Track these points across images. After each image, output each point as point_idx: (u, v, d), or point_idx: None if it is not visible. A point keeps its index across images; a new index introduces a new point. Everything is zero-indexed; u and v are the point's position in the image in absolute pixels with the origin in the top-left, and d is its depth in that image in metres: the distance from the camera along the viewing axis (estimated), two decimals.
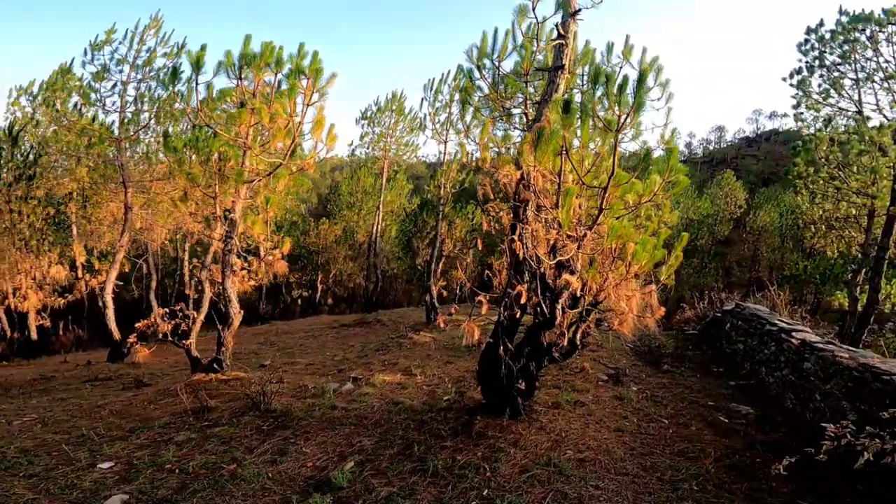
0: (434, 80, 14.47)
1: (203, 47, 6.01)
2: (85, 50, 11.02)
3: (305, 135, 6.33)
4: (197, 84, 6.10)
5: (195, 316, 7.52)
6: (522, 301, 4.28)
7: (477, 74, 7.13)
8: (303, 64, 5.79)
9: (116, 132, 11.90)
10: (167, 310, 7.70)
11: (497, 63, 6.87)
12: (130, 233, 13.96)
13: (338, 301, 28.13)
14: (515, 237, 4.21)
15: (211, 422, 5.11)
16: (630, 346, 9.23)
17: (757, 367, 7.21)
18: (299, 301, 27.10)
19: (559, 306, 4.41)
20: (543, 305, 4.40)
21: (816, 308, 20.17)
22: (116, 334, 13.12)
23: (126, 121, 11.86)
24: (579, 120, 3.77)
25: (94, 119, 12.72)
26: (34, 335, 16.50)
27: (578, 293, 4.24)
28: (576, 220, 4.53)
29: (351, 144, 23.53)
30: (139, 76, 11.23)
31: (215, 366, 7.26)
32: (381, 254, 24.86)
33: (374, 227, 23.64)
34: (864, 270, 11.30)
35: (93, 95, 11.28)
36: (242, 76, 6.11)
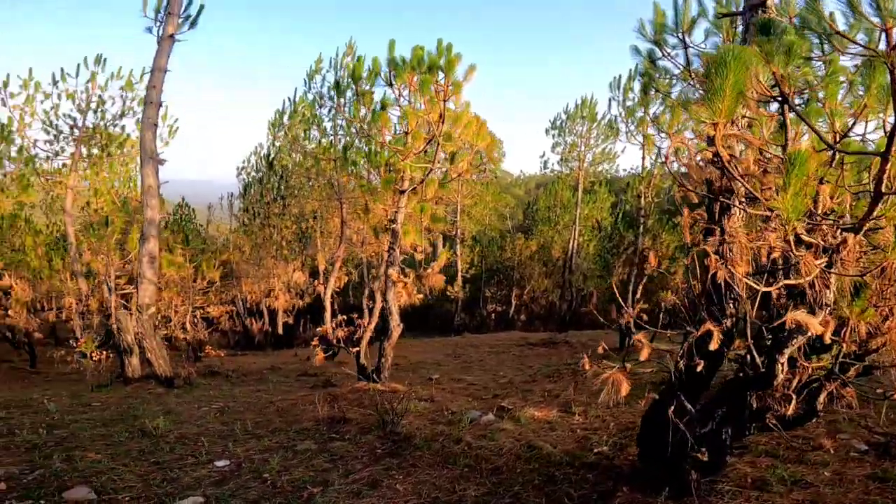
0: (621, 76, 12.67)
1: (359, 59, 6.04)
2: (304, 80, 12.98)
3: (453, 137, 5.79)
4: (356, 95, 6.18)
5: (364, 325, 7.73)
6: (714, 347, 2.72)
7: (658, 53, 5.62)
8: (437, 60, 5.29)
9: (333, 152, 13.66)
10: (343, 318, 8.16)
11: (682, 36, 5.30)
12: (346, 244, 15.95)
13: (531, 318, 27.35)
14: (709, 247, 2.73)
15: (338, 434, 4.89)
16: None
17: None
18: (493, 316, 27.27)
19: (782, 360, 2.72)
20: (754, 354, 2.79)
21: None
22: (331, 336, 15.02)
23: (341, 142, 13.54)
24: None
25: (320, 143, 14.93)
26: (280, 330, 20.27)
27: (828, 339, 2.54)
28: (820, 214, 2.81)
29: (543, 156, 22.76)
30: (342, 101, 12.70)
31: (374, 376, 7.28)
32: (577, 271, 23.17)
33: (571, 243, 22.19)
34: None
35: (315, 122, 13.19)
36: (393, 83, 5.95)
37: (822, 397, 2.93)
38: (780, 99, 2.03)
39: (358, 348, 7.41)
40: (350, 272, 22.72)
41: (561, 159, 20.35)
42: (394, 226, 7.25)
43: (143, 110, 8.76)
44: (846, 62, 2.30)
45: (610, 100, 14.91)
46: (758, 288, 2.25)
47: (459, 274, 24.82)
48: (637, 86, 11.42)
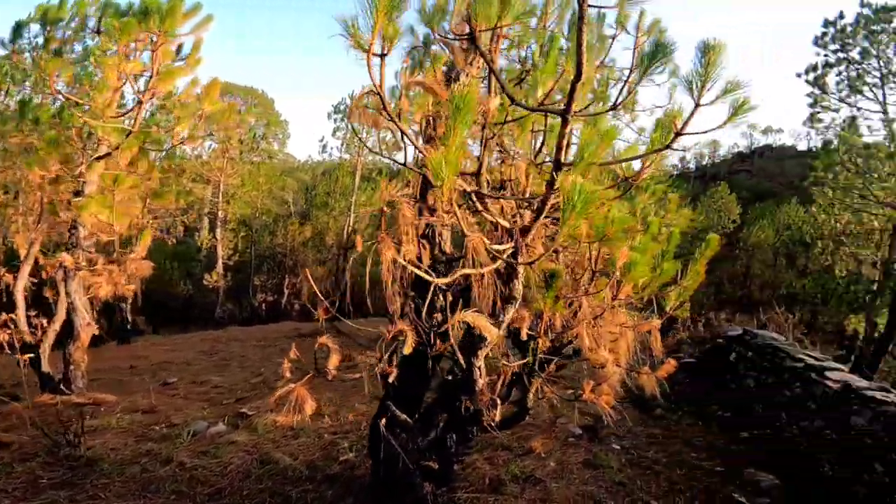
0: None
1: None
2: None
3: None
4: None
5: (45, 324, 5.78)
6: (407, 351, 2.45)
7: None
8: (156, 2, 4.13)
9: None
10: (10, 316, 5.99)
11: None
12: (47, 223, 12.13)
13: (307, 307, 26.26)
14: (409, 227, 2.43)
15: None
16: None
17: (775, 412, 5.57)
18: (264, 306, 25.17)
19: (478, 363, 2.60)
20: (458, 357, 2.64)
21: (812, 328, 18.79)
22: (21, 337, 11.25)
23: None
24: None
25: None
26: None
27: (524, 334, 2.52)
28: (519, 196, 2.80)
29: (322, 140, 21.90)
30: None
31: (62, 387, 5.52)
32: (352, 258, 23.08)
33: (346, 230, 21.89)
34: (887, 293, 9.81)
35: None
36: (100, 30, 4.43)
37: (531, 394, 2.97)
38: (468, 36, 1.81)
39: (32, 354, 5.53)
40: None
41: (342, 145, 19.80)
42: (77, 199, 5.57)
43: None
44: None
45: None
46: (431, 280, 2.02)
47: (220, 260, 22.00)
48: None
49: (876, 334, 10.02)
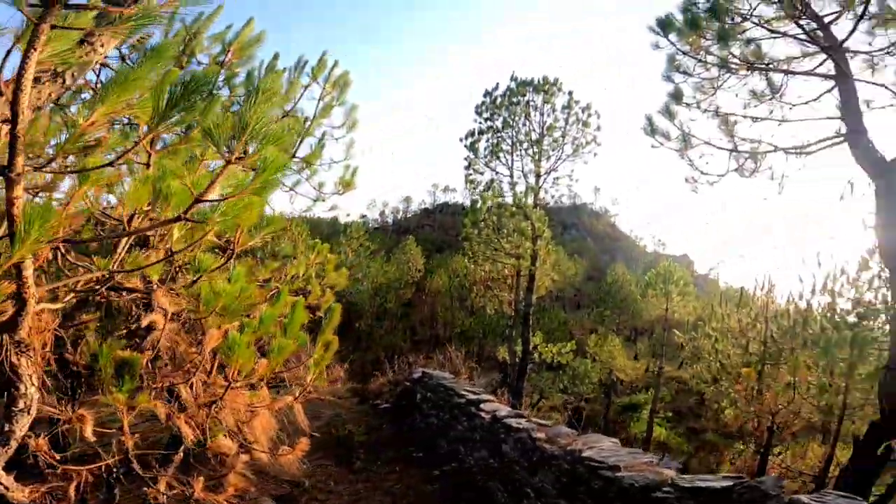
0: None
1: None
2: None
3: None
4: None
5: None
6: None
7: None
8: None
9: None
10: None
11: None
12: None
13: None
14: None
15: None
16: (315, 433, 6.95)
17: (455, 445, 5.98)
18: None
19: None
20: None
21: (481, 358, 22.95)
22: None
23: None
24: None
25: None
26: None
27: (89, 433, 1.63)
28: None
29: None
30: None
31: None
32: None
33: None
34: (518, 325, 12.56)
35: None
36: None
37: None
38: None
39: None
40: None
41: None
42: None
43: None
44: None
45: None
46: None
47: None
48: None
49: (517, 359, 12.65)
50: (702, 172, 5.89)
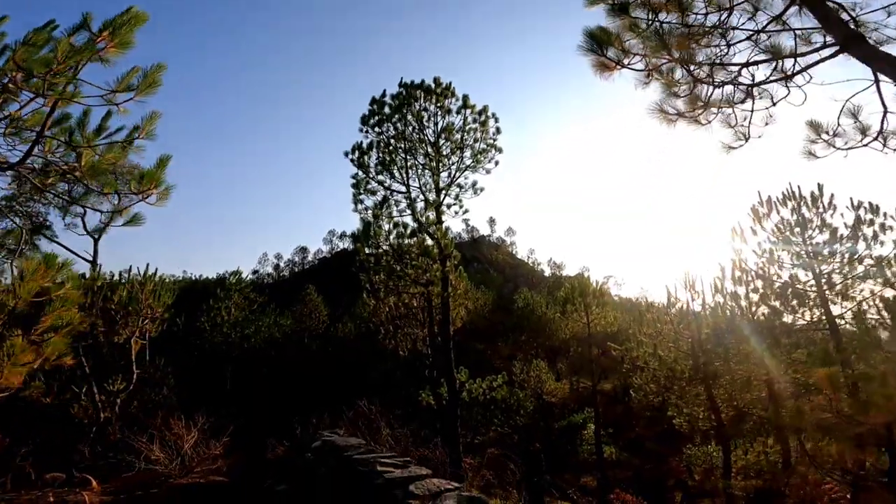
0: None
1: None
2: None
3: None
4: None
5: None
6: None
7: None
8: None
9: None
10: None
11: None
12: None
13: None
14: None
15: None
16: None
17: None
18: None
19: None
20: None
21: (400, 407, 20.45)
22: None
23: None
24: None
25: None
26: None
27: None
28: None
29: None
30: None
31: None
32: None
33: None
34: (438, 364, 10.66)
35: None
36: None
37: None
38: None
39: None
40: None
41: None
42: None
43: None
44: None
45: None
46: None
47: None
48: None
49: (443, 402, 10.66)
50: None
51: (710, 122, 4.98)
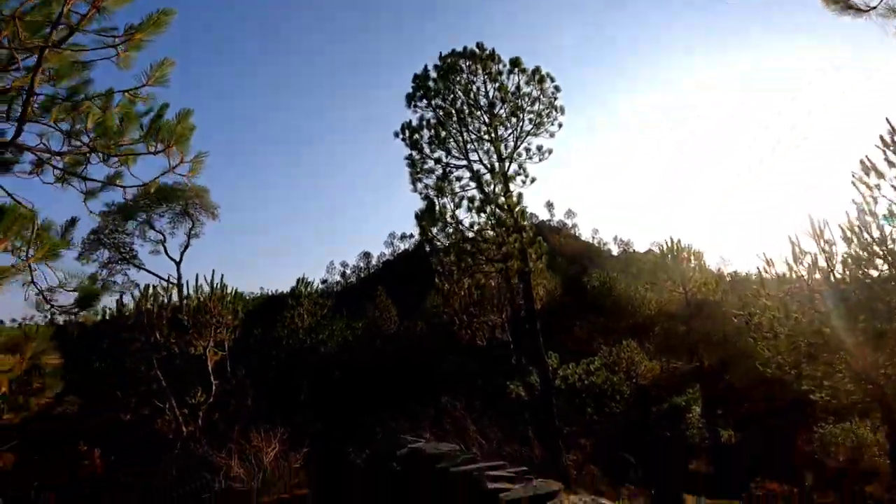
0: None
1: None
2: None
3: None
4: None
5: None
6: None
7: None
8: None
9: None
10: None
11: None
12: None
13: None
14: None
15: None
16: None
17: None
18: None
19: None
20: None
21: (486, 401, 19.56)
22: None
23: None
24: None
25: None
26: None
27: None
28: None
29: None
30: None
31: None
32: None
33: None
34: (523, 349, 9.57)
35: None
36: None
37: None
38: None
39: None
40: None
41: None
42: None
43: None
44: None
45: None
46: None
47: None
48: None
49: (536, 392, 9.55)
50: None
51: None
